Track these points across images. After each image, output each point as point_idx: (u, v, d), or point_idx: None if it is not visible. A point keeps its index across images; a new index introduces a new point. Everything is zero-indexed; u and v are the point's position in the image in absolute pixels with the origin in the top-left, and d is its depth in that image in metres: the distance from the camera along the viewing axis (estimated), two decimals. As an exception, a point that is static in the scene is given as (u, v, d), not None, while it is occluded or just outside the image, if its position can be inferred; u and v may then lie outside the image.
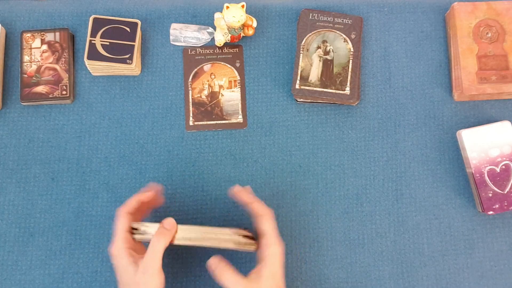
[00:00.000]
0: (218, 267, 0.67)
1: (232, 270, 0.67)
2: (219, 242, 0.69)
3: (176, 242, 0.69)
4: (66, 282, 0.80)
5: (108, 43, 0.83)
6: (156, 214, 0.82)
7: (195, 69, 0.87)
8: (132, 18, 0.86)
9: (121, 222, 0.69)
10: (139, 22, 0.84)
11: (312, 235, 0.82)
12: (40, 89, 0.83)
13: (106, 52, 0.83)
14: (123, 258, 0.67)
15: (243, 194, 0.72)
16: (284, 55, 0.87)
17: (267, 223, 0.69)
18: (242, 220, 0.82)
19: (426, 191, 0.83)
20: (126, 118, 0.85)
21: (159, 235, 0.68)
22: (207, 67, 0.87)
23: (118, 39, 0.83)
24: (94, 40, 0.83)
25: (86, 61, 0.83)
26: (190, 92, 0.86)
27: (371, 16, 0.89)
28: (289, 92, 0.86)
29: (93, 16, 0.84)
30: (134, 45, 0.83)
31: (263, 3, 0.89)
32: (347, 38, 0.85)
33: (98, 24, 0.84)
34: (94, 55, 0.82)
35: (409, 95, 0.86)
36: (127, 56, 0.83)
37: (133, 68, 0.83)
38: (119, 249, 0.67)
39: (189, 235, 0.69)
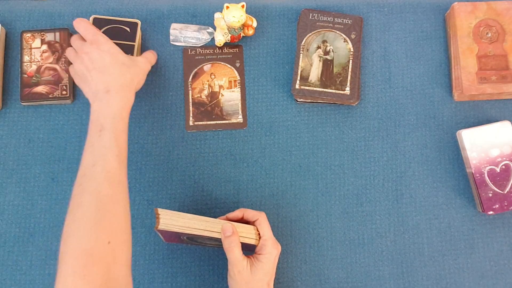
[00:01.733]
0: (231, 238, 0.69)
1: (240, 247, 0.70)
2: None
3: (190, 231, 0.69)
4: (66, 282, 0.80)
5: None
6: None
7: (195, 69, 0.87)
8: (132, 18, 0.86)
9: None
10: (139, 22, 0.84)
11: (312, 235, 0.82)
12: (40, 89, 0.83)
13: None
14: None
15: (232, 216, 0.75)
16: (284, 55, 0.87)
17: (260, 227, 0.73)
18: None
19: (426, 191, 0.83)
20: (126, 118, 0.85)
21: None
22: (207, 67, 0.87)
23: (118, 39, 0.83)
24: (94, 40, 0.83)
25: (86, 61, 0.83)
26: (190, 92, 0.86)
27: (371, 16, 0.89)
28: (289, 92, 0.86)
29: (93, 16, 0.84)
30: (134, 45, 0.83)
31: (263, 3, 0.89)
32: (347, 38, 0.85)
33: (98, 24, 0.83)
34: None
35: (409, 95, 0.86)
36: None
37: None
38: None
39: (200, 225, 0.70)
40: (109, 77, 0.72)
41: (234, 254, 0.69)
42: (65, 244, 0.62)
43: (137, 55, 0.84)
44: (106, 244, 0.62)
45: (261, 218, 0.73)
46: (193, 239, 0.74)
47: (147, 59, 0.80)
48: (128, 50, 0.83)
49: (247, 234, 0.71)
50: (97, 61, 0.73)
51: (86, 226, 0.62)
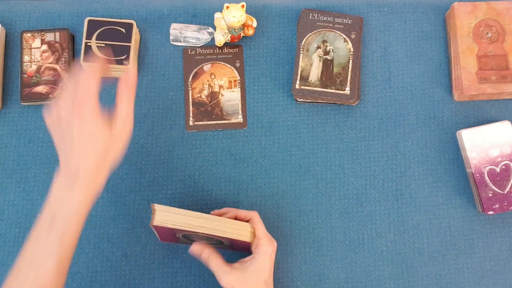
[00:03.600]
0: (203, 252, 0.72)
1: (217, 256, 0.72)
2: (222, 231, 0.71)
3: (190, 228, 0.70)
4: (66, 282, 0.79)
5: (104, 45, 0.83)
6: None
7: (195, 69, 0.87)
8: (132, 18, 0.86)
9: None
10: (134, 23, 0.84)
11: (312, 235, 0.82)
12: (40, 89, 0.83)
13: (102, 53, 0.83)
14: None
15: (226, 215, 0.75)
16: (284, 55, 0.87)
17: (254, 224, 0.73)
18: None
19: (426, 191, 0.83)
20: (126, 118, 0.85)
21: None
22: (207, 67, 0.87)
23: (114, 41, 0.83)
24: (90, 42, 0.83)
25: (82, 63, 0.82)
26: (190, 92, 0.86)
27: (371, 16, 0.89)
28: (289, 92, 0.86)
29: (88, 18, 0.84)
30: (130, 46, 0.83)
31: (263, 3, 0.89)
32: (347, 38, 0.85)
33: (93, 26, 0.83)
34: (90, 57, 0.82)
35: (409, 95, 0.86)
36: (123, 57, 0.83)
37: (130, 69, 0.83)
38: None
39: (196, 222, 0.70)
40: (83, 159, 0.63)
41: (214, 263, 0.71)
42: None
43: (133, 56, 0.83)
44: None
45: (254, 217, 0.73)
46: (188, 238, 0.74)
47: (122, 129, 0.67)
48: (124, 51, 0.83)
49: (242, 230, 0.71)
50: (76, 137, 0.63)
51: None
